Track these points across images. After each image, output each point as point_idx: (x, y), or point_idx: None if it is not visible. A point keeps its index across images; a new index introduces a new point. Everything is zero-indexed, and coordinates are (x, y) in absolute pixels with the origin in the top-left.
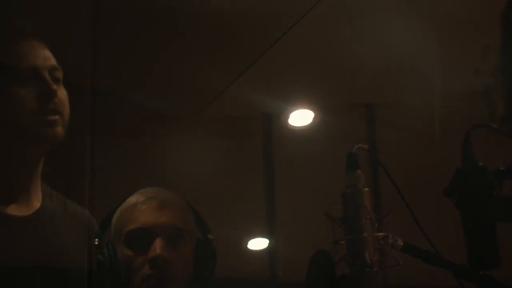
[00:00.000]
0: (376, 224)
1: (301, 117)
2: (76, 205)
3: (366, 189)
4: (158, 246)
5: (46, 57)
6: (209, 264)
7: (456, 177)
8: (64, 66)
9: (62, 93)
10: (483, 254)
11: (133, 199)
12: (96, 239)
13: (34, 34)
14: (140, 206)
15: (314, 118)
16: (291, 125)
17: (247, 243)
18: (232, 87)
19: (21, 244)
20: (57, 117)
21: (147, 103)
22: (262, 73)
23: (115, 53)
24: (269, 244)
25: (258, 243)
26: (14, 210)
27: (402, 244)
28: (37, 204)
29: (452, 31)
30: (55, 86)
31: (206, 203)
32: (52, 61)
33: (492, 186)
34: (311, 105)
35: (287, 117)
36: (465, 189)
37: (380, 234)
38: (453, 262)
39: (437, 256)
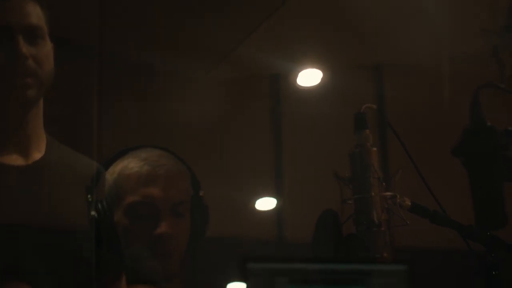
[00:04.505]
0: (384, 183)
1: (309, 77)
2: (86, 158)
3: (374, 148)
4: (164, 223)
5: (25, 13)
6: (202, 222)
7: (464, 137)
8: (71, 27)
9: (41, 52)
10: (489, 214)
11: (134, 165)
12: (89, 195)
13: None
14: (145, 177)
15: (323, 78)
16: (300, 85)
17: (254, 203)
18: (241, 47)
19: (17, 195)
20: (28, 79)
21: (155, 63)
22: (271, 33)
23: (123, 13)
24: (276, 204)
25: (265, 203)
26: (9, 160)
27: (409, 204)
28: (37, 155)
29: None
30: (24, 49)
31: (213, 163)
32: (31, 19)
33: (500, 146)
34: (319, 65)
35: (296, 76)
36: (473, 149)
37: (388, 193)
38: (460, 222)
39: (444, 216)
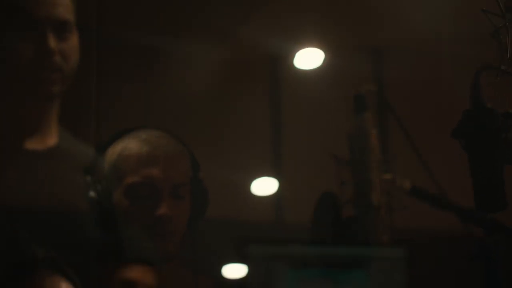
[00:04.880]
0: (383, 166)
1: (308, 58)
2: (89, 147)
3: (374, 130)
4: (164, 204)
5: (55, 6)
6: (201, 204)
7: (464, 119)
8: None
9: (67, 46)
10: (489, 197)
11: (134, 145)
12: (88, 176)
13: None
14: (145, 157)
15: (322, 60)
16: (299, 66)
17: (252, 185)
18: (240, 28)
19: (35, 178)
20: (54, 75)
21: (154, 45)
22: (271, 13)
23: None
24: (275, 186)
25: (264, 185)
26: (28, 144)
27: (409, 186)
28: (51, 142)
29: None
30: (53, 44)
31: (211, 143)
32: (61, 12)
33: (500, 128)
34: (319, 46)
35: (294, 58)
36: (473, 131)
37: (387, 176)
38: (460, 205)
39: (444, 199)
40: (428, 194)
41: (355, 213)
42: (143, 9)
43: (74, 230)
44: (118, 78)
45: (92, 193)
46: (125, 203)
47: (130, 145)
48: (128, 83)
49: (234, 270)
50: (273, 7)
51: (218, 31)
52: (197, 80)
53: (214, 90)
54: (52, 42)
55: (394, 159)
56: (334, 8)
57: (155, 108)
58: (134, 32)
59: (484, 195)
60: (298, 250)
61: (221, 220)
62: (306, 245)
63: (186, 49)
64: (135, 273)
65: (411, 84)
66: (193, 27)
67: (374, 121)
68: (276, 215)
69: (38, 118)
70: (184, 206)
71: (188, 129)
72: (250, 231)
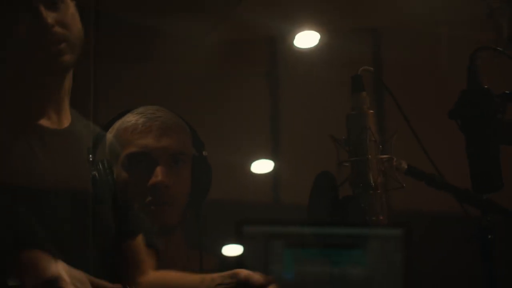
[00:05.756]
0: (380, 146)
1: (306, 39)
2: (96, 127)
3: (371, 111)
4: (159, 172)
5: None
6: (205, 181)
7: (461, 100)
8: None
9: (65, 15)
10: (486, 177)
11: (131, 118)
12: (90, 155)
13: None
14: (140, 128)
15: (320, 41)
16: (297, 47)
17: (250, 165)
18: (238, 9)
19: (54, 156)
20: (61, 45)
21: (152, 25)
22: None
23: None
24: (272, 166)
25: (261, 166)
26: (46, 123)
27: (406, 166)
28: (66, 122)
29: None
30: (48, 18)
31: (210, 125)
32: None
33: (497, 109)
34: (317, 27)
35: (293, 39)
36: (470, 112)
37: (385, 156)
38: (456, 185)
39: (440, 179)
40: (424, 174)
41: (352, 193)
42: None
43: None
44: (116, 59)
45: (94, 172)
46: (123, 176)
47: (127, 118)
48: (126, 64)
49: (233, 249)
50: None
51: (217, 13)
52: (195, 61)
53: (213, 71)
54: (47, 15)
55: (391, 139)
56: None
57: (153, 89)
58: (132, 13)
59: (480, 175)
60: (295, 230)
61: (220, 200)
62: (304, 225)
63: (184, 30)
64: None
65: (409, 65)
66: (192, 8)
67: (371, 101)
68: (274, 196)
69: (54, 95)
70: (183, 176)
71: (185, 110)
72: (249, 212)
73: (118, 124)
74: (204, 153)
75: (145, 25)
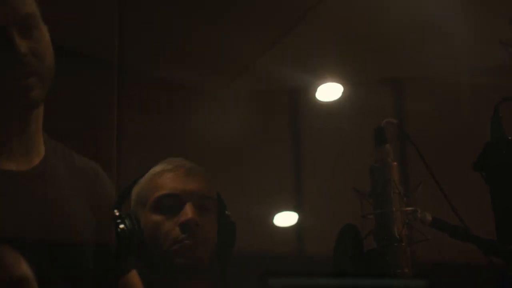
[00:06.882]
0: (404, 198)
1: (329, 92)
2: (86, 160)
3: (395, 163)
4: (189, 210)
5: (15, 7)
6: (231, 236)
7: (485, 152)
8: (90, 41)
9: (39, 43)
10: (511, 228)
11: (158, 168)
12: (116, 210)
13: None
14: (168, 174)
15: (342, 93)
16: (319, 100)
17: (274, 218)
18: (260, 61)
19: (19, 202)
20: (31, 80)
21: (174, 77)
22: (291, 47)
23: (143, 26)
24: (296, 219)
25: (285, 218)
26: (10, 165)
27: (430, 218)
28: (37, 160)
29: (478, 4)
30: (22, 46)
31: (233, 177)
32: (22, 8)
33: None
34: (339, 79)
35: (315, 91)
36: (494, 164)
37: (409, 208)
38: (481, 237)
39: (465, 231)
40: (449, 226)
41: (377, 246)
42: (164, 42)
43: (77, 262)
44: (140, 112)
45: (122, 226)
46: (152, 219)
47: (154, 168)
48: (149, 116)
49: None
50: (294, 40)
51: (239, 64)
52: (217, 112)
53: (235, 122)
54: (21, 43)
55: (415, 191)
56: (356, 41)
57: (175, 141)
58: (156, 65)
59: (505, 226)
60: (320, 282)
61: (244, 253)
62: (328, 277)
63: (207, 81)
64: None
65: (432, 116)
66: (214, 60)
67: (394, 153)
68: (298, 248)
69: (20, 132)
70: (210, 222)
71: (209, 161)
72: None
73: (145, 176)
74: (227, 212)
75: (167, 77)
